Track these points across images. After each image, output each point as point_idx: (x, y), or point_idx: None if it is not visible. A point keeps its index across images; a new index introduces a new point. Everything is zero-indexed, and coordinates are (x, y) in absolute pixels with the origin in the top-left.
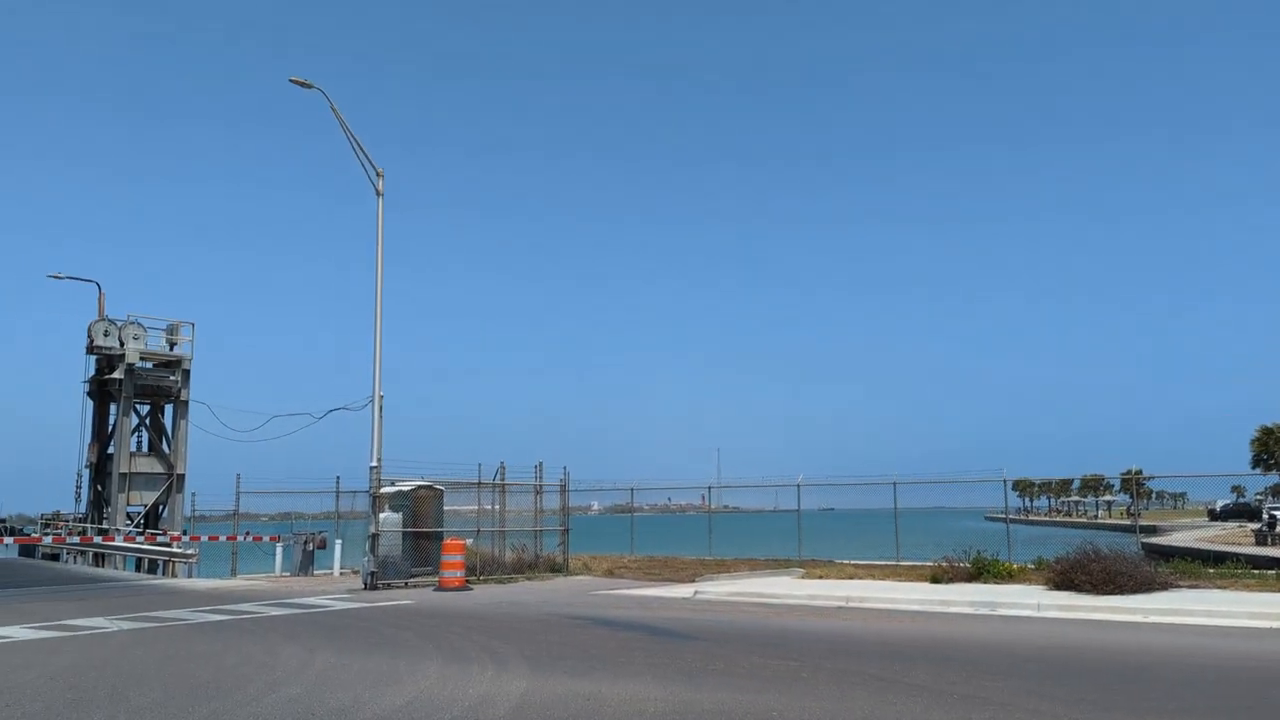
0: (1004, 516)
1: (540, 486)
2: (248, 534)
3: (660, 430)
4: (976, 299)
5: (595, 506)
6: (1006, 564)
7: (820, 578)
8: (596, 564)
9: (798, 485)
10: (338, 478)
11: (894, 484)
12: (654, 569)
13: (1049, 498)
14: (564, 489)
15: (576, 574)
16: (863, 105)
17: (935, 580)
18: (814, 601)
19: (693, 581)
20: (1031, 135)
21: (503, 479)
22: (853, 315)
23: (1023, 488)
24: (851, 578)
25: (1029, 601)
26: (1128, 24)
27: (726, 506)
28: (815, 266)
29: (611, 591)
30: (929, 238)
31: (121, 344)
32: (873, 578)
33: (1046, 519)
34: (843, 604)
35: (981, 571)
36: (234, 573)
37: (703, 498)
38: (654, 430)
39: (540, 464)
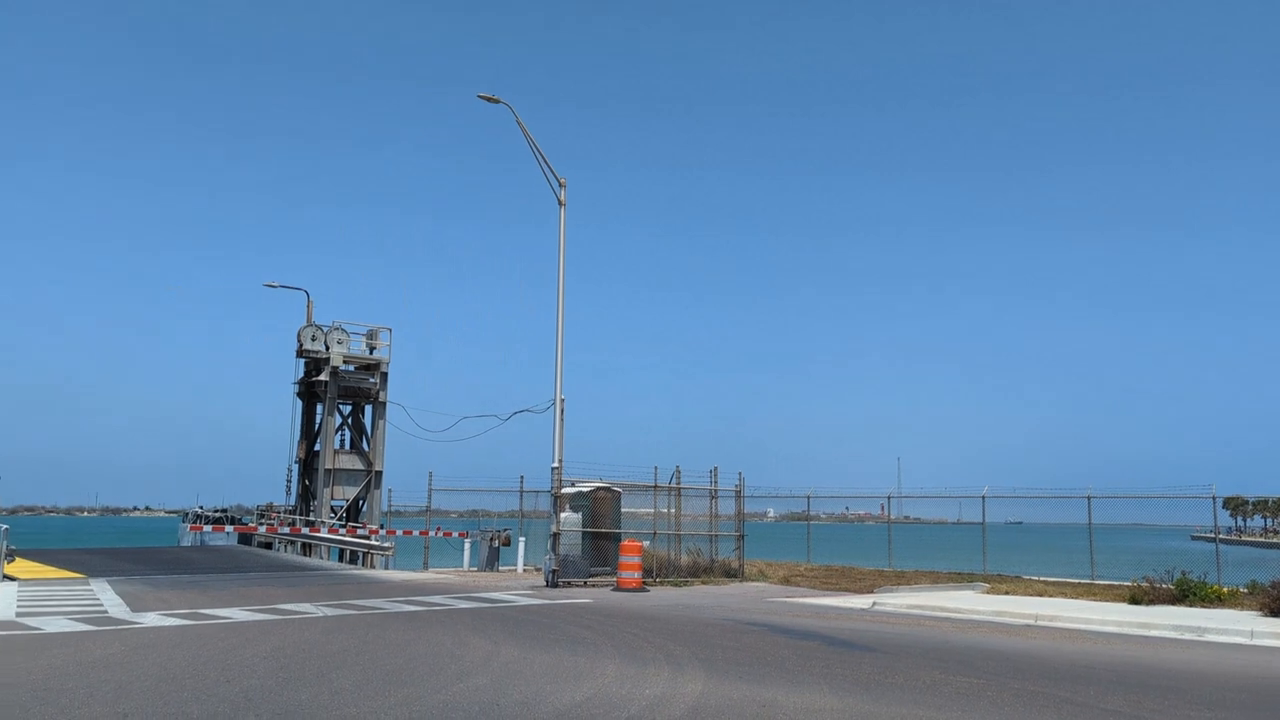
0: (1213, 536)
1: (716, 491)
2: (439, 529)
3: (839, 438)
4: (1187, 310)
5: (771, 513)
6: (1215, 587)
7: (1006, 593)
8: (772, 571)
9: (982, 497)
10: (521, 477)
11: (1088, 498)
12: (831, 578)
13: (1265, 517)
14: (739, 494)
15: (752, 580)
16: (1045, 107)
17: (1134, 601)
18: (999, 618)
19: (871, 592)
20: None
21: (678, 483)
22: (1047, 323)
23: (1234, 506)
24: (1041, 595)
25: (1240, 628)
26: None
27: (907, 517)
28: (1006, 274)
29: (787, 599)
30: (1136, 245)
31: (327, 348)
32: (1064, 596)
33: (1262, 540)
34: (1031, 622)
35: (1186, 594)
36: (426, 566)
37: (882, 507)
38: (832, 438)
39: (715, 469)
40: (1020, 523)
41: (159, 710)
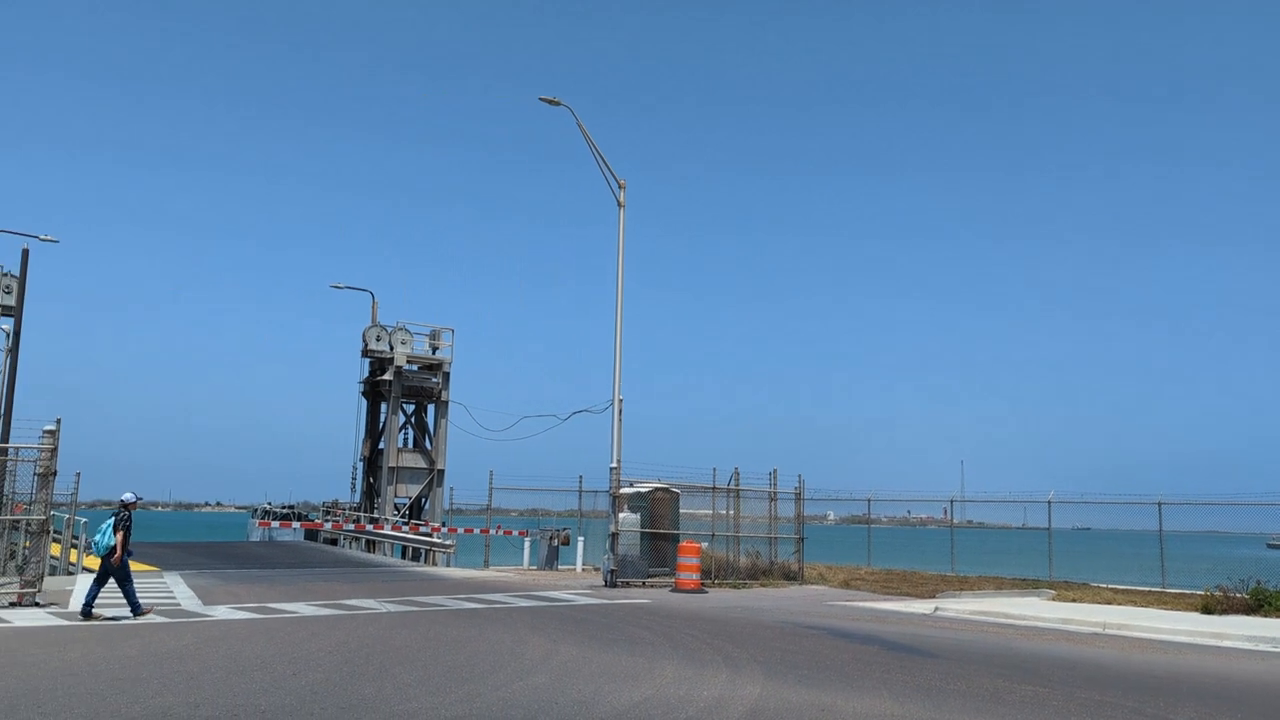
0: None
1: (775, 493)
2: (499, 528)
3: (901, 441)
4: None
5: (831, 516)
6: None
7: (1073, 601)
8: (832, 574)
9: (1048, 502)
10: (580, 477)
11: (1159, 504)
12: (892, 582)
13: None
14: (799, 497)
15: (811, 583)
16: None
17: (1206, 611)
18: (1066, 626)
19: (933, 598)
20: None
21: (737, 484)
22: (1115, 326)
23: None
24: (1109, 602)
25: None
26: None
27: (970, 522)
28: (1076, 278)
29: (847, 603)
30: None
31: (391, 348)
32: (1133, 604)
33: None
34: (1098, 630)
35: (1262, 604)
36: (486, 564)
37: (944, 511)
38: (894, 441)
39: (775, 471)
40: (1088, 529)
41: (229, 702)
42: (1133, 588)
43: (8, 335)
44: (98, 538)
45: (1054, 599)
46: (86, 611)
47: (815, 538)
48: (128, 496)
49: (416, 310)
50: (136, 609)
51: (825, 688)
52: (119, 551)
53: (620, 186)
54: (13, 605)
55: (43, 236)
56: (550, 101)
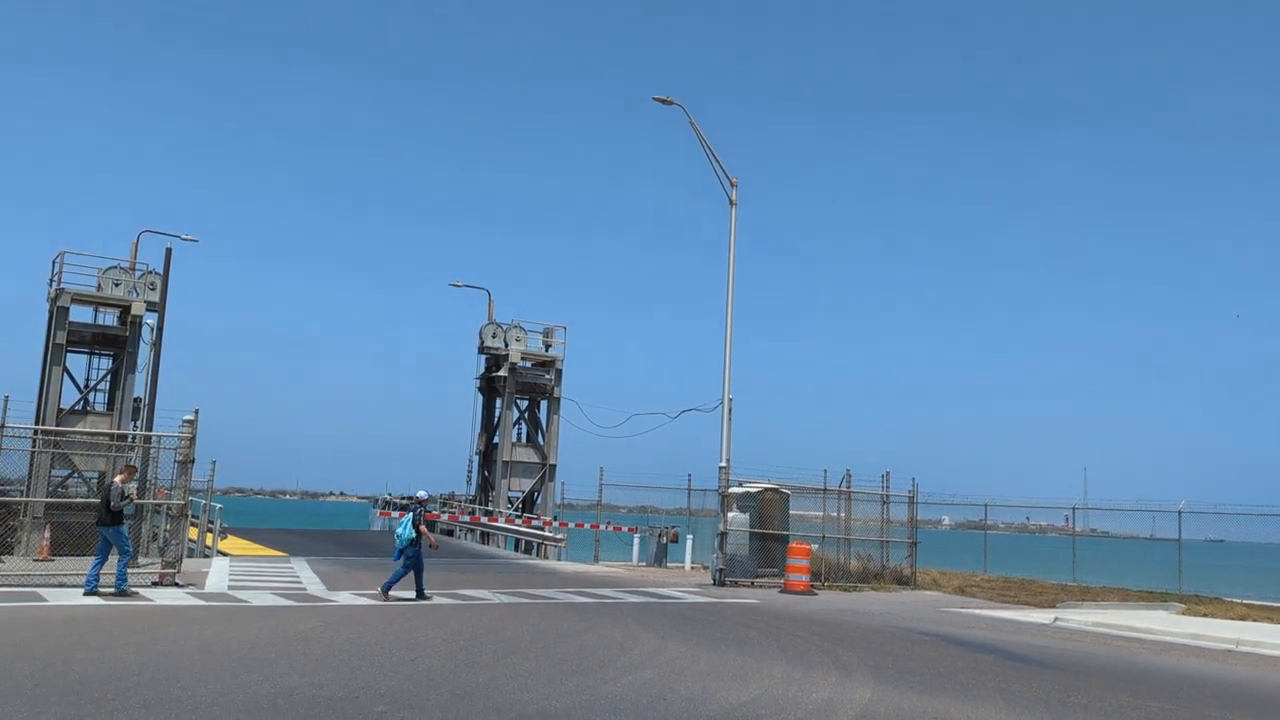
0: None
1: (887, 496)
2: (609, 523)
3: (1020, 445)
4: None
5: (946, 521)
6: None
7: (1204, 616)
8: (946, 580)
9: (1178, 511)
10: (689, 475)
11: None
12: (1009, 590)
13: None
14: (912, 500)
15: (924, 588)
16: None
17: None
18: (1195, 641)
19: (1053, 607)
20: None
21: (848, 486)
22: (1260, 322)
23: None
24: (1243, 618)
25: None
26: None
27: (1093, 530)
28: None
29: (961, 610)
30: None
31: (506, 345)
32: (1270, 620)
33: None
34: (1231, 647)
35: None
36: (596, 559)
37: (1066, 519)
38: (1013, 445)
39: (888, 473)
40: (1221, 541)
41: (350, 684)
42: (1270, 604)
43: (152, 330)
44: (399, 530)
45: (1183, 613)
46: (385, 590)
47: (929, 543)
48: (421, 494)
49: (529, 308)
50: (420, 593)
51: (938, 695)
52: (425, 542)
53: (733, 184)
54: (154, 585)
55: (185, 236)
56: (663, 101)
